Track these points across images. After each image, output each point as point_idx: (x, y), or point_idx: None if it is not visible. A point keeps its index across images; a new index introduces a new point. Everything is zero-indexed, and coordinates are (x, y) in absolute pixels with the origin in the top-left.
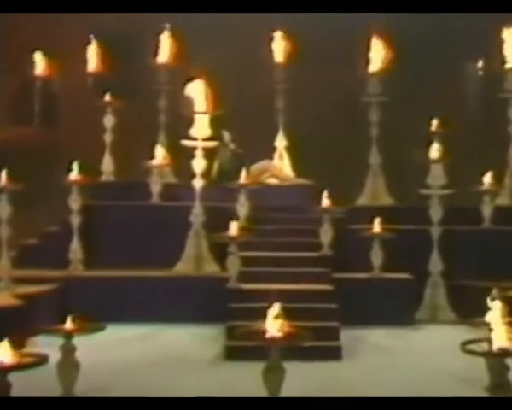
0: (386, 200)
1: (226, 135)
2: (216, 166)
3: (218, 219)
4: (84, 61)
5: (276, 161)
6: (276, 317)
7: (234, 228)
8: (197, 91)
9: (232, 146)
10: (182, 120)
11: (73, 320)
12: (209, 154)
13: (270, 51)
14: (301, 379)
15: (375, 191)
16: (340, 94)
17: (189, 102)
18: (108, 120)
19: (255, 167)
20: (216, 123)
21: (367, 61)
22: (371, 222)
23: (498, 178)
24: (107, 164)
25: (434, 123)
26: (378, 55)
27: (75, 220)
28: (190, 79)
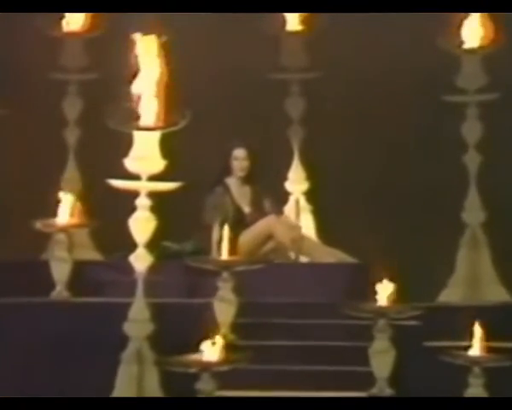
0: (494, 292)
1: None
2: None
3: (178, 330)
4: None
5: (288, 216)
6: None
7: (208, 346)
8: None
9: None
10: (110, 139)
11: None
12: (162, 203)
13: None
14: None
15: (474, 276)
16: (406, 89)
17: (127, 106)
18: None
19: (251, 231)
20: (170, 144)
21: (457, 31)
22: (469, 336)
23: None
24: None
25: None
26: (477, 23)
27: None
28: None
